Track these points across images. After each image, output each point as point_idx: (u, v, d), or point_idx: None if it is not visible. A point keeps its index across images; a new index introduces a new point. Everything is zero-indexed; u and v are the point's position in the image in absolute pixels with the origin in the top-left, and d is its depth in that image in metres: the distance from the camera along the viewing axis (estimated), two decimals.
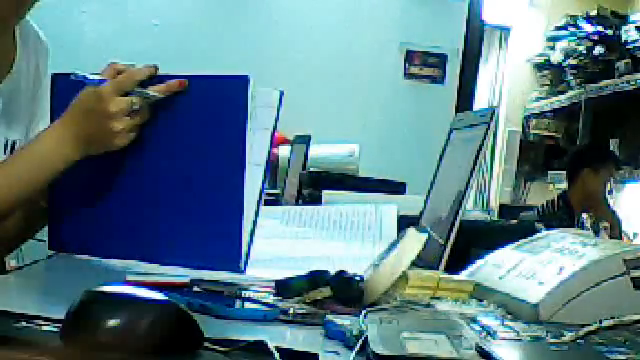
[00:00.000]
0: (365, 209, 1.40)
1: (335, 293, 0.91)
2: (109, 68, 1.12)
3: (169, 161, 1.13)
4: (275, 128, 1.13)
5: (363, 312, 0.79)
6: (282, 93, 1.13)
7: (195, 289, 0.96)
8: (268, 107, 1.13)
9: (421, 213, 1.33)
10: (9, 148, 1.31)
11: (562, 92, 5.26)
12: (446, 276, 0.98)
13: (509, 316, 0.88)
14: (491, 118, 1.08)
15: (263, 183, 1.11)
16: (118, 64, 1.13)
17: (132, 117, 1.10)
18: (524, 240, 1.09)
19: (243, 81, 1.08)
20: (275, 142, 1.32)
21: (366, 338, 0.70)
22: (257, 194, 1.11)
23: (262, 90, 1.13)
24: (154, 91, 1.11)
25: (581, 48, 4.89)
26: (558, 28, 5.24)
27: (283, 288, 0.94)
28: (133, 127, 1.11)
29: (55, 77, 1.23)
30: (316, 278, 0.93)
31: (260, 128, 1.12)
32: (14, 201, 1.16)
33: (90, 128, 1.11)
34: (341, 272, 0.94)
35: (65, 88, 1.15)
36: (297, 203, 2.21)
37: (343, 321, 0.78)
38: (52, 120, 1.18)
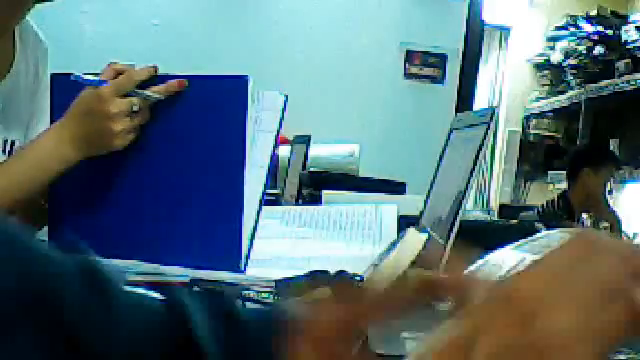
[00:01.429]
0: (365, 209, 1.40)
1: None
2: (109, 68, 1.13)
3: (169, 161, 1.13)
4: (279, 132, 1.13)
5: None
6: (287, 97, 1.14)
7: (195, 289, 0.96)
8: (273, 111, 1.13)
9: (421, 213, 1.33)
10: (8, 148, 1.31)
11: (562, 92, 5.26)
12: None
13: None
14: (491, 118, 1.08)
15: (264, 184, 1.12)
16: (118, 64, 1.13)
17: (132, 118, 1.10)
18: (524, 240, 1.09)
19: (243, 81, 1.08)
20: None
21: (366, 338, 0.70)
22: (258, 195, 1.11)
23: (268, 94, 1.13)
24: (154, 92, 1.11)
25: (581, 48, 4.89)
26: (558, 28, 5.24)
27: (283, 288, 0.94)
28: (133, 128, 1.11)
29: (55, 77, 1.23)
30: (316, 278, 0.93)
31: (264, 131, 1.12)
32: (14, 201, 1.16)
33: (90, 129, 1.11)
34: (341, 272, 0.94)
35: (64, 88, 1.15)
36: (297, 203, 2.21)
37: None
38: (52, 120, 1.18)
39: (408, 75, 4.09)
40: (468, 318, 0.38)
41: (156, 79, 1.12)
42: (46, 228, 1.25)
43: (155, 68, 1.13)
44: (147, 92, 1.11)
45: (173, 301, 0.56)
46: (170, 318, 0.55)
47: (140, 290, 0.70)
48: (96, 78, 1.12)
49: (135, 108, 1.10)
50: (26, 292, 0.49)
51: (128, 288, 0.56)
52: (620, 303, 0.34)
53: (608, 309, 0.34)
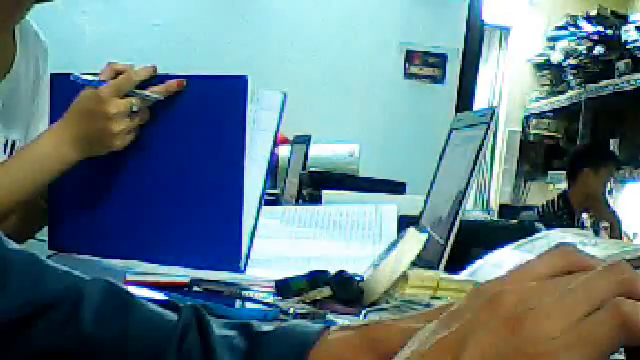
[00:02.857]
0: (365, 209, 1.40)
1: (335, 293, 0.91)
2: (108, 68, 1.13)
3: (169, 161, 1.13)
4: (278, 130, 1.13)
5: (363, 312, 0.79)
6: (285, 96, 1.13)
7: (195, 289, 0.96)
8: (271, 110, 1.13)
9: (421, 213, 1.33)
10: (9, 148, 1.31)
11: (562, 92, 5.26)
12: (446, 276, 0.98)
13: None
14: (491, 118, 1.08)
15: (264, 184, 1.12)
16: (117, 64, 1.13)
17: (131, 118, 1.10)
18: (524, 240, 1.09)
19: (242, 81, 1.08)
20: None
21: None
22: (258, 195, 1.11)
23: (266, 93, 1.13)
24: (153, 92, 1.11)
25: (581, 48, 4.89)
26: (558, 28, 5.24)
27: (283, 288, 0.94)
28: (132, 128, 1.11)
29: (54, 77, 1.23)
30: (316, 278, 0.93)
31: (263, 130, 1.12)
32: (14, 201, 1.16)
33: (89, 129, 1.11)
34: (341, 272, 0.94)
35: (64, 88, 1.15)
36: (297, 203, 2.21)
37: (343, 321, 0.78)
38: (51, 120, 1.18)
39: (408, 75, 4.09)
40: (457, 319, 0.37)
41: (155, 79, 1.12)
42: (46, 228, 1.25)
43: (154, 68, 1.13)
44: (146, 92, 1.11)
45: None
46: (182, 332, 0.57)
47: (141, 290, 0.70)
48: (95, 78, 1.12)
49: (134, 108, 1.10)
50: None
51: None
52: (607, 312, 0.34)
53: (595, 318, 0.34)
